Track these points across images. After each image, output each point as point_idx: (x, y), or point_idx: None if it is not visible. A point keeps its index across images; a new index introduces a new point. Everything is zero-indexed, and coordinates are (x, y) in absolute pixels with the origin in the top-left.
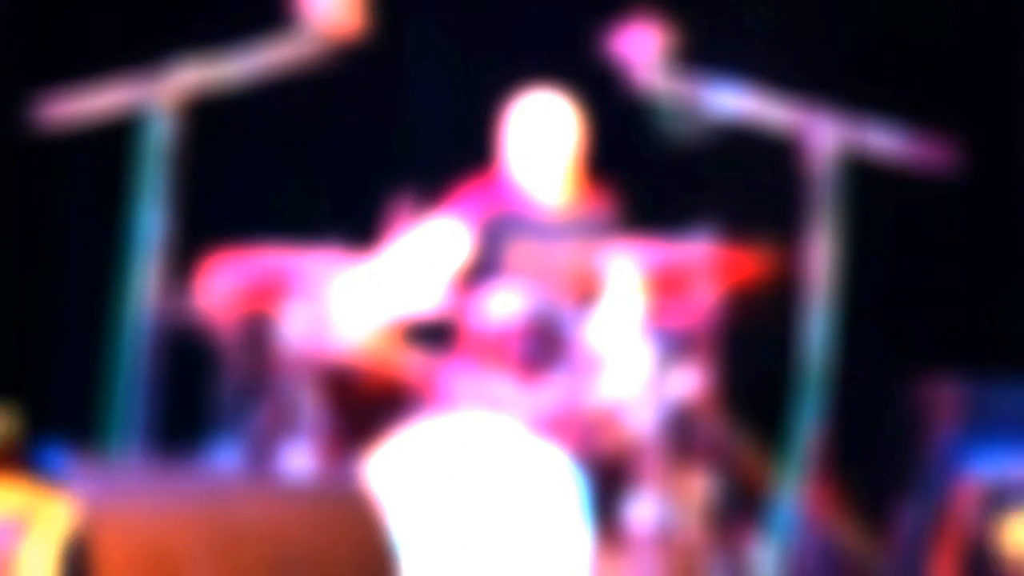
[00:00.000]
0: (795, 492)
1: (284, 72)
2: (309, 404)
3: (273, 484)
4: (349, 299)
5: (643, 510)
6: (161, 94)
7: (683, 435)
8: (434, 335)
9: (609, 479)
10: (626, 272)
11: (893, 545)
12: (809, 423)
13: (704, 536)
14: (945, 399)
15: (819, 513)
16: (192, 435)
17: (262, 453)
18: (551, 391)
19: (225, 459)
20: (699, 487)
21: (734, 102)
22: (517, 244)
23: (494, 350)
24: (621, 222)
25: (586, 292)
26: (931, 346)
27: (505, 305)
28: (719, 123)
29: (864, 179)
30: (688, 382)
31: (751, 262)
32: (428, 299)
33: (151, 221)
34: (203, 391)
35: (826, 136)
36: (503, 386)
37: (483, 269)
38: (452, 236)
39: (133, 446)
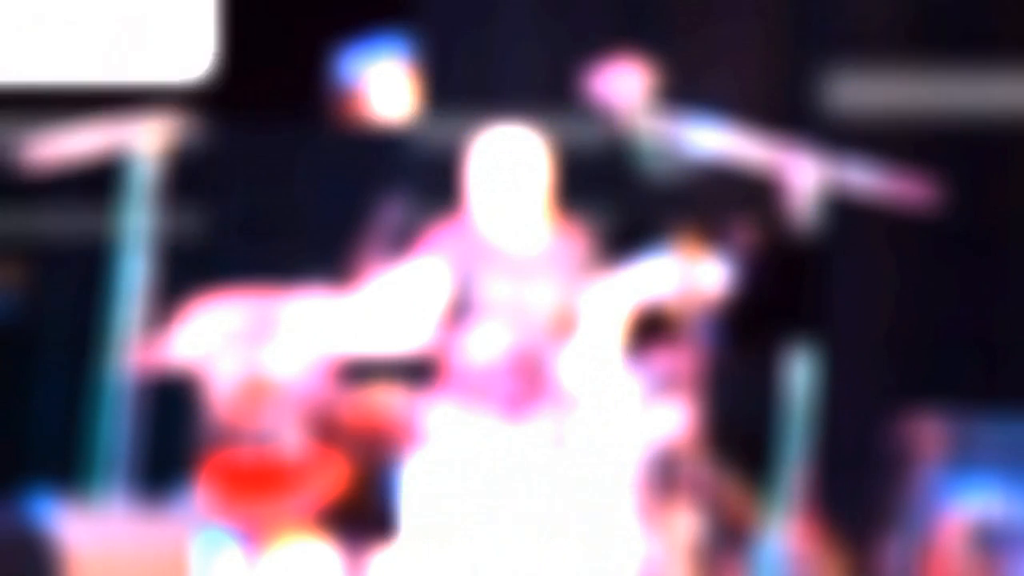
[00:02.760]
0: (781, 530)
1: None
2: (293, 446)
3: None
4: (299, 334)
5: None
6: (144, 137)
7: (668, 474)
8: (415, 373)
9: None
10: (603, 308)
11: None
12: (794, 460)
13: (691, 574)
14: (930, 434)
15: (805, 550)
16: (172, 478)
17: None
18: (535, 429)
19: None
20: (684, 525)
21: (714, 141)
22: (492, 283)
23: (479, 387)
24: (599, 259)
25: (563, 329)
26: (915, 381)
27: (488, 343)
28: (699, 162)
29: (845, 215)
30: (672, 420)
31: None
32: (412, 337)
33: (135, 266)
34: (184, 434)
35: (806, 174)
36: (487, 422)
37: (459, 308)
38: (432, 275)
39: (114, 490)
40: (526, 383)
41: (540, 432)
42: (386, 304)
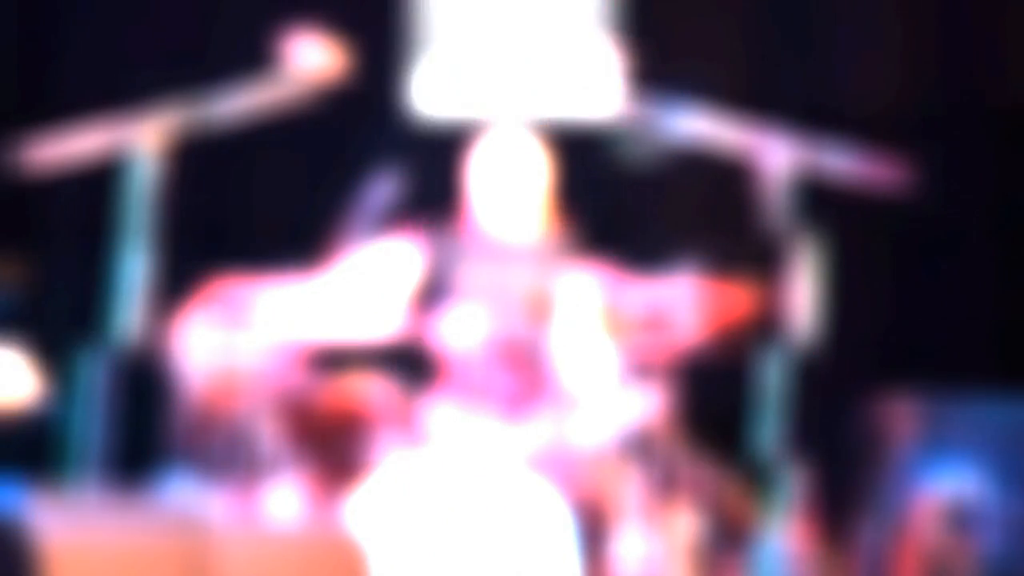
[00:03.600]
0: (781, 530)
1: (267, 114)
2: (267, 435)
3: (240, 519)
4: (273, 321)
5: (629, 549)
6: (145, 136)
7: (668, 473)
8: (394, 361)
9: (593, 517)
10: (583, 296)
11: (853, 562)
12: (768, 445)
13: (690, 574)
14: (902, 415)
15: (805, 551)
16: (144, 466)
17: (218, 485)
18: (535, 429)
19: (177, 490)
20: (684, 525)
21: (690, 125)
22: (470, 268)
23: (467, 379)
24: (578, 246)
25: (541, 316)
26: (887, 362)
27: (468, 330)
28: (676, 146)
29: (817, 199)
30: (648, 406)
31: (737, 300)
32: (383, 323)
33: (135, 262)
34: (159, 422)
35: (780, 158)
36: (486, 421)
37: (436, 293)
38: (403, 259)
39: (87, 478)
40: (518, 374)
41: (539, 433)
42: (357, 288)
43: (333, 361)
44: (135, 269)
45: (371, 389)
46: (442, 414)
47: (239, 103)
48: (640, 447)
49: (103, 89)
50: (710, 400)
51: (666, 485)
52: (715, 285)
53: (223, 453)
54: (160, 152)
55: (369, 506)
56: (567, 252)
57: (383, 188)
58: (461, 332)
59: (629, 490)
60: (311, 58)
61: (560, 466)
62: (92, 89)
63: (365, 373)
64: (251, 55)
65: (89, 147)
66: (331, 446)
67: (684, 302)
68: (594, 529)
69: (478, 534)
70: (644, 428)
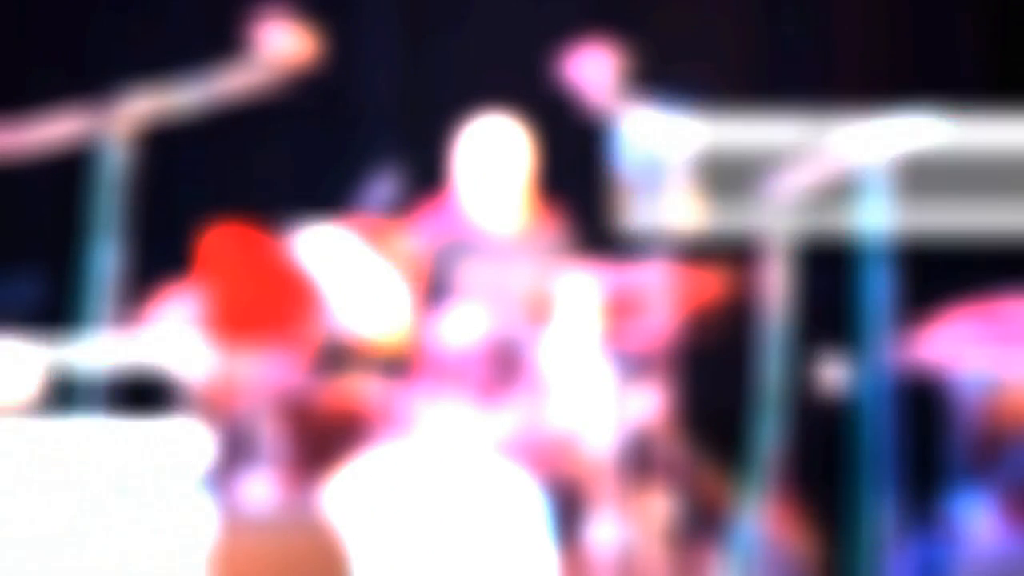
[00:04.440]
0: (756, 512)
1: (236, 100)
2: (266, 433)
3: (236, 516)
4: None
5: (603, 533)
6: (114, 123)
7: (643, 457)
8: (392, 362)
9: (569, 502)
10: (580, 293)
11: None
12: (768, 442)
13: (665, 558)
14: None
15: (780, 533)
16: None
17: (218, 484)
18: (511, 414)
19: None
20: (660, 509)
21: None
22: (470, 267)
23: (453, 373)
24: (574, 244)
25: (540, 314)
26: None
27: (464, 328)
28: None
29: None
30: (647, 404)
31: (709, 284)
32: (387, 323)
33: (106, 252)
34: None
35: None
36: (462, 409)
37: (436, 292)
38: (407, 259)
39: None
40: (501, 368)
41: (514, 418)
42: (361, 289)
43: (333, 361)
44: (106, 260)
45: (370, 389)
46: (427, 405)
47: (207, 89)
48: (639, 445)
49: (71, 75)
50: (710, 398)
51: (643, 471)
52: (688, 271)
53: (223, 452)
54: (130, 140)
55: (348, 494)
56: (564, 250)
57: (383, 186)
58: (458, 333)
59: (604, 475)
60: (281, 43)
61: (534, 452)
62: (60, 75)
63: (365, 373)
64: (221, 39)
65: (59, 135)
66: (331, 446)
67: (658, 287)
68: (569, 514)
69: (454, 521)
70: (644, 426)
